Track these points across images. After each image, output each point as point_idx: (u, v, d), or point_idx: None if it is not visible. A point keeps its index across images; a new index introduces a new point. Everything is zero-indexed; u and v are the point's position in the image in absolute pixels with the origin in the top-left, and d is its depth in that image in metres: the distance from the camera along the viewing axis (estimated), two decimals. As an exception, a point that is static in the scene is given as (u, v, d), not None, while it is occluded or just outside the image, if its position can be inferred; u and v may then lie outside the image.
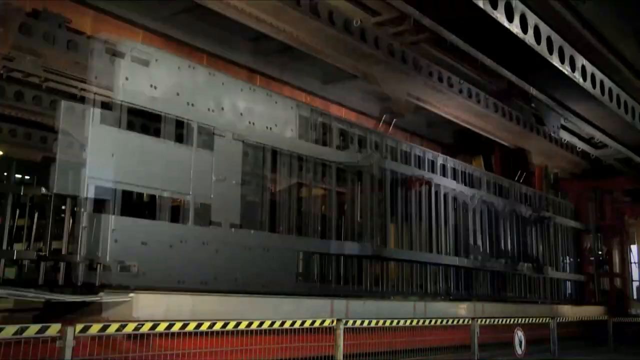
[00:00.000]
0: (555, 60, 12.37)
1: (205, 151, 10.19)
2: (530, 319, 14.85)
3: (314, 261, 12.29)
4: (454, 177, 16.63)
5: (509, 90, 16.61)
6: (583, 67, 13.54)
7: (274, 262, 11.10)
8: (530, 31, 11.44)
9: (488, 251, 17.54)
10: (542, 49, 11.89)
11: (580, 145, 20.58)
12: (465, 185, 16.88)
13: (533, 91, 14.54)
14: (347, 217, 13.41)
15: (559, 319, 15.87)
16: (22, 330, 6.51)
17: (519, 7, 11.07)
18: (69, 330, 6.71)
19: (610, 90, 14.85)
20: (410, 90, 14.99)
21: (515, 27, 10.95)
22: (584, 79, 13.60)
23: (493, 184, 18.46)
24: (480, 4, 9.93)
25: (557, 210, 22.33)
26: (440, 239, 15.35)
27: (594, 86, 14.04)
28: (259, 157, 11.35)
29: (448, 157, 16.61)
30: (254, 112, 11.11)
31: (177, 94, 9.89)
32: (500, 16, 10.51)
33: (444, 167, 16.12)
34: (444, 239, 15.58)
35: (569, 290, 22.82)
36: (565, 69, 12.77)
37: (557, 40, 12.43)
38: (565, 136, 19.24)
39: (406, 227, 14.51)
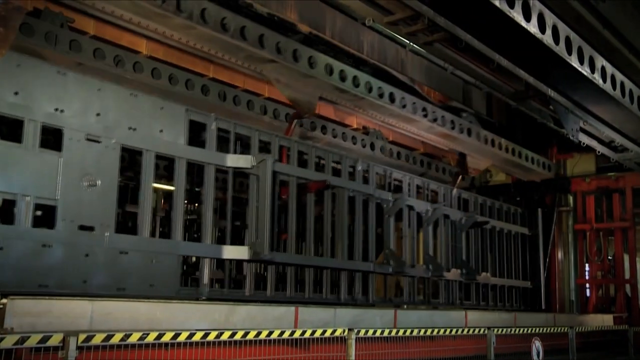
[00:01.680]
0: (574, 61, 12.30)
1: (74, 157, 10.04)
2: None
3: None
4: (382, 184, 17.11)
5: (526, 92, 16.55)
6: (603, 67, 13.47)
7: (152, 267, 11.01)
8: (549, 31, 11.38)
9: (410, 257, 17.66)
10: (561, 49, 11.83)
11: (600, 148, 20.51)
12: (389, 190, 17.08)
13: (551, 93, 14.50)
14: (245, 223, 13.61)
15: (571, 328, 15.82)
16: (23, 340, 6.52)
17: (537, 6, 11.01)
18: (72, 340, 6.72)
19: (631, 91, 14.77)
20: (322, 94, 15.02)
21: (532, 27, 10.89)
22: (604, 81, 13.53)
23: (426, 189, 18.79)
24: (497, 3, 9.88)
25: (502, 216, 22.57)
26: (343, 244, 15.34)
27: (614, 88, 13.97)
28: (146, 163, 11.30)
29: (372, 163, 16.81)
30: (134, 118, 11.00)
31: (42, 100, 9.79)
32: (517, 15, 10.45)
33: (365, 172, 16.36)
34: (353, 244, 15.71)
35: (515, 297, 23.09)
36: (585, 70, 12.70)
37: (576, 40, 12.37)
38: (585, 139, 19.16)
39: (311, 232, 14.62)
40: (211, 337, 8.44)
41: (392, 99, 16.23)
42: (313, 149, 14.92)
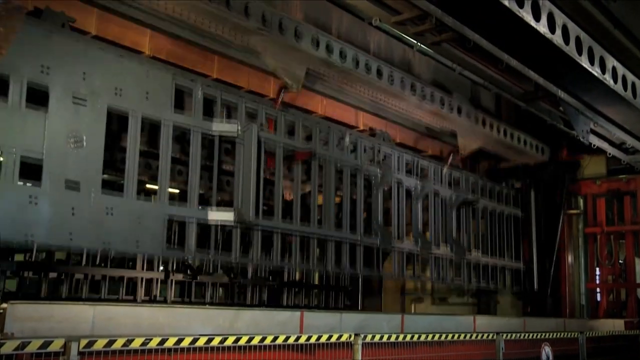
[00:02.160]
0: (584, 62, 12.28)
1: (60, 116, 10.33)
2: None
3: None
4: (374, 158, 17.27)
5: (535, 92, 16.52)
6: (614, 68, 13.44)
7: (138, 227, 11.35)
8: (558, 31, 11.36)
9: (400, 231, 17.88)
10: (571, 49, 11.81)
11: (611, 150, 20.45)
12: (379, 164, 17.30)
13: (561, 94, 14.47)
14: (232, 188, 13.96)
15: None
16: (24, 345, 6.51)
17: (546, 6, 10.99)
18: (73, 345, 6.71)
19: (642, 93, 14.76)
20: (310, 66, 14.87)
21: (542, 27, 10.87)
22: (615, 81, 13.50)
23: (416, 165, 18.90)
24: (506, 3, 9.87)
25: (494, 197, 22.60)
26: (330, 215, 15.58)
27: (625, 88, 13.94)
28: (132, 126, 11.59)
29: (361, 138, 17.04)
30: (121, 81, 11.27)
31: (27, 58, 10.03)
32: (526, 15, 10.44)
33: (354, 146, 16.59)
34: (341, 216, 16.06)
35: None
36: (595, 71, 12.68)
37: (586, 40, 12.34)
38: (595, 141, 19.12)
39: (298, 201, 14.89)
40: (215, 342, 8.41)
41: (379, 73, 16.11)
42: (300, 119, 15.08)
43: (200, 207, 12.74)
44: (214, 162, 13.45)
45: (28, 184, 10.12)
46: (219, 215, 12.79)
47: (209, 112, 13.07)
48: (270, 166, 14.49)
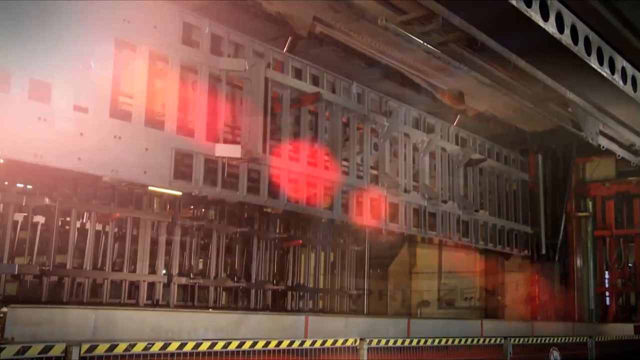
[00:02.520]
0: (593, 62, 12.24)
1: (68, 38, 10.29)
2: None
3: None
4: (381, 109, 17.11)
5: (544, 93, 16.48)
6: (623, 68, 13.40)
7: (145, 155, 11.29)
8: (567, 31, 11.32)
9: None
10: (580, 49, 11.77)
11: (620, 152, 20.39)
12: (382, 114, 17.13)
13: (570, 95, 14.43)
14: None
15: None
16: (24, 350, 6.50)
17: (555, 5, 10.96)
18: (75, 350, 6.70)
19: (652, 94, 14.71)
20: (317, 14, 14.72)
21: (550, 27, 10.84)
22: (624, 82, 13.46)
23: (422, 121, 18.71)
24: (514, 2, 9.86)
25: (501, 160, 22.43)
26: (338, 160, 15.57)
27: (634, 89, 13.89)
28: (140, 57, 11.53)
29: (368, 89, 16.79)
30: (128, 11, 11.18)
31: None
32: (534, 15, 10.41)
33: (358, 95, 16.35)
34: (349, 163, 15.96)
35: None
36: (605, 71, 12.64)
37: (595, 40, 12.31)
38: (604, 143, 19.06)
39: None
40: (218, 347, 8.40)
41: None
42: (307, 66, 14.92)
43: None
44: (221, 98, 13.22)
45: (37, 102, 10.02)
46: (226, 150, 12.63)
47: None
48: (277, 110, 14.27)
